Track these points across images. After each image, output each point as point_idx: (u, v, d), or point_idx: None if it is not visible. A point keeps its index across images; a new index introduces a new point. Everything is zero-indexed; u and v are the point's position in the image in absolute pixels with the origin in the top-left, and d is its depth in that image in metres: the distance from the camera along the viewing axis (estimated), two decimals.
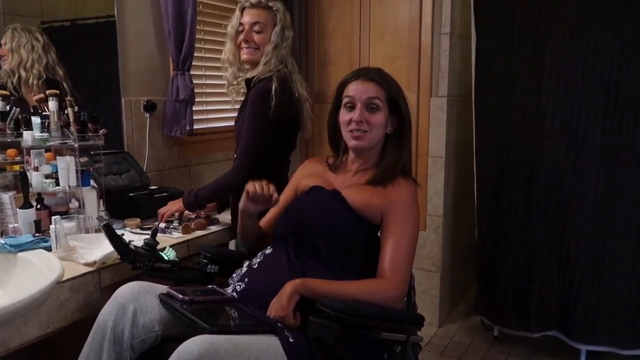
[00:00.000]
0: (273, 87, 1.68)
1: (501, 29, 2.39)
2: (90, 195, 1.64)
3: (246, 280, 1.36)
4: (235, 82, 1.87)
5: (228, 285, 1.41)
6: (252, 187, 1.34)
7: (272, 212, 1.56)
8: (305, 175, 1.55)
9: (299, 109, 1.80)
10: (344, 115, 1.42)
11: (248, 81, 1.79)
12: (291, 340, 1.17)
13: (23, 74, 1.76)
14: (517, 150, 2.40)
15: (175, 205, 1.79)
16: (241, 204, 1.41)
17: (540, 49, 2.29)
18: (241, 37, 1.79)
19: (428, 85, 2.66)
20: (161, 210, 1.80)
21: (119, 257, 1.37)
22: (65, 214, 1.56)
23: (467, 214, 2.94)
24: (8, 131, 1.62)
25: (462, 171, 2.89)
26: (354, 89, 1.40)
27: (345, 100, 1.42)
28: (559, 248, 2.33)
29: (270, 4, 1.80)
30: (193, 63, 2.23)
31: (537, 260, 2.37)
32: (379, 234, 1.39)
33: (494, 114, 2.46)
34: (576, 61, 2.21)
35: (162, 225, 1.75)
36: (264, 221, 1.57)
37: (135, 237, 1.58)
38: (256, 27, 1.77)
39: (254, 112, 1.71)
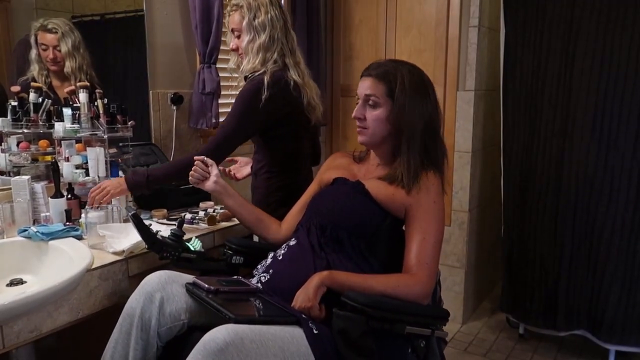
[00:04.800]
0: (265, 81, 1.61)
1: (532, 21, 2.33)
2: None
3: (271, 271, 1.36)
4: (239, 73, 1.80)
5: (253, 276, 1.41)
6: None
7: (297, 205, 1.57)
8: (330, 168, 1.55)
9: (297, 100, 1.70)
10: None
11: (246, 77, 1.73)
12: (315, 331, 1.18)
13: (71, 72, 1.83)
14: (546, 146, 2.34)
15: (116, 188, 1.56)
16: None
17: (572, 41, 2.22)
18: None
19: (455, 79, 2.62)
20: (94, 194, 1.55)
21: (147, 246, 1.39)
22: None
23: (493, 210, 2.90)
24: (40, 122, 1.67)
25: (489, 167, 2.84)
26: (359, 86, 1.41)
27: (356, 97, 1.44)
28: (588, 247, 2.27)
29: (234, 1, 1.70)
30: (219, 56, 2.25)
31: (565, 259, 2.32)
32: (403, 227, 1.38)
33: (522, 109, 2.41)
34: (609, 54, 2.14)
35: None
36: (289, 214, 1.57)
37: (162, 228, 1.60)
38: (235, 33, 1.73)
39: (237, 103, 1.64)
